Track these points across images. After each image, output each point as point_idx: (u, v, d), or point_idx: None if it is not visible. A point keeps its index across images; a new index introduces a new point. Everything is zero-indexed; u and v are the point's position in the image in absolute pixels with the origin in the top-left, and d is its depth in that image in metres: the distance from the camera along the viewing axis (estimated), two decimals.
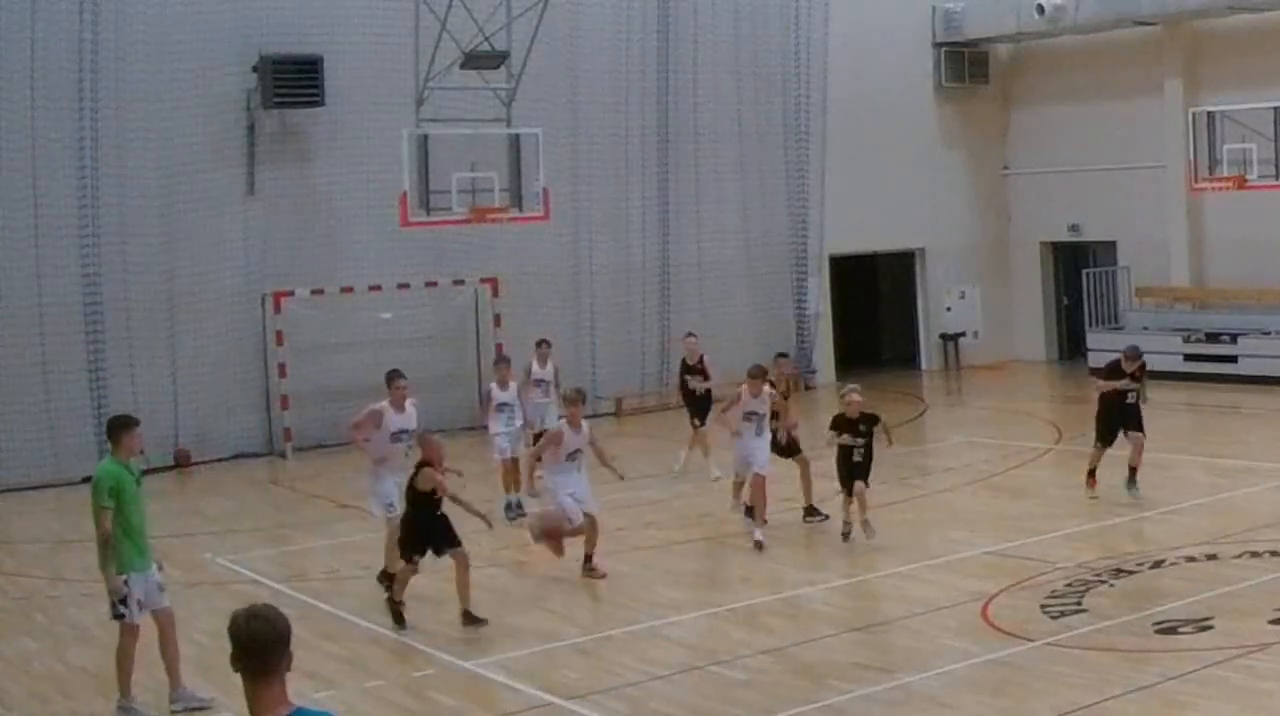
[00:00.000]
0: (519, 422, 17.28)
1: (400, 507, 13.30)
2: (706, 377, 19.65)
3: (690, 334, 20.89)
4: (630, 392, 26.11)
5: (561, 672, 11.35)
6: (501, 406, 17.21)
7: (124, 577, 10.51)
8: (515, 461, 17.04)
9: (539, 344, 19.28)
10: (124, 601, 10.50)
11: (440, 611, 13.34)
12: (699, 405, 19.57)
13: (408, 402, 14.28)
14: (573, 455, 14.05)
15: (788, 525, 16.13)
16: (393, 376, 14.40)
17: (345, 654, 12.14)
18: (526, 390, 18.31)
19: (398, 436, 14.12)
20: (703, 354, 19.96)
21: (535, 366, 18.77)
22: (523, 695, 10.82)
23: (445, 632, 12.61)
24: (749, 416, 15.53)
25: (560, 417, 14.24)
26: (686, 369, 20.07)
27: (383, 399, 14.33)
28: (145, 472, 21.09)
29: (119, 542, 10.51)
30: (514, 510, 16.82)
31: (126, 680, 10.66)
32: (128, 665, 10.66)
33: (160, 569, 10.99)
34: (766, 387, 15.75)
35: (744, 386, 15.64)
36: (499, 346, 24.14)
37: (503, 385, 17.35)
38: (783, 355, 17.90)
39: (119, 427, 10.88)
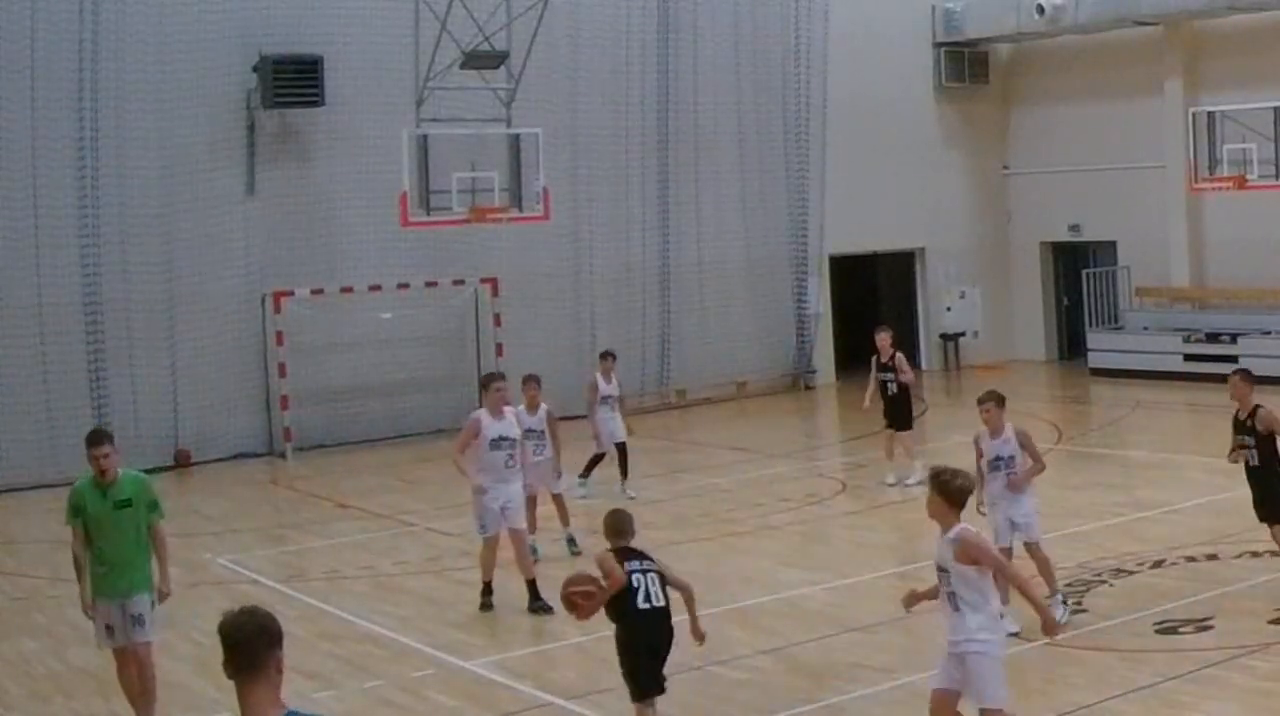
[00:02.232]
0: (547, 452, 15.09)
1: (495, 528, 12.89)
2: (900, 374, 18.38)
3: (884, 327, 19.10)
4: (630, 392, 26.04)
5: (561, 672, 11.36)
6: (529, 433, 14.54)
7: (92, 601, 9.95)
8: (556, 496, 15.41)
9: (604, 356, 18.41)
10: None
11: (440, 611, 13.36)
12: (894, 405, 18.32)
13: (507, 409, 13.34)
14: (996, 464, 11.56)
15: (791, 523, 16.13)
16: (489, 379, 13.53)
17: (345, 654, 12.14)
18: (594, 408, 17.63)
19: (497, 444, 13.02)
20: (896, 349, 18.63)
21: (601, 382, 17.81)
22: (522, 695, 10.83)
23: (445, 632, 12.61)
24: (996, 464, 11.86)
25: None
26: (880, 367, 18.57)
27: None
28: (146, 472, 21.47)
29: (88, 564, 9.93)
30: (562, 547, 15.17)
31: (134, 706, 10.19)
32: (128, 692, 10.17)
33: (159, 601, 10.16)
34: (1009, 426, 11.94)
35: (980, 430, 12.03)
36: (498, 345, 24.16)
37: (532, 407, 15.11)
38: (1241, 372, 12.58)
39: (86, 443, 10.13)
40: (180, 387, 22.29)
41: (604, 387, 17.77)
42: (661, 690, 9.13)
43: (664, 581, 9.11)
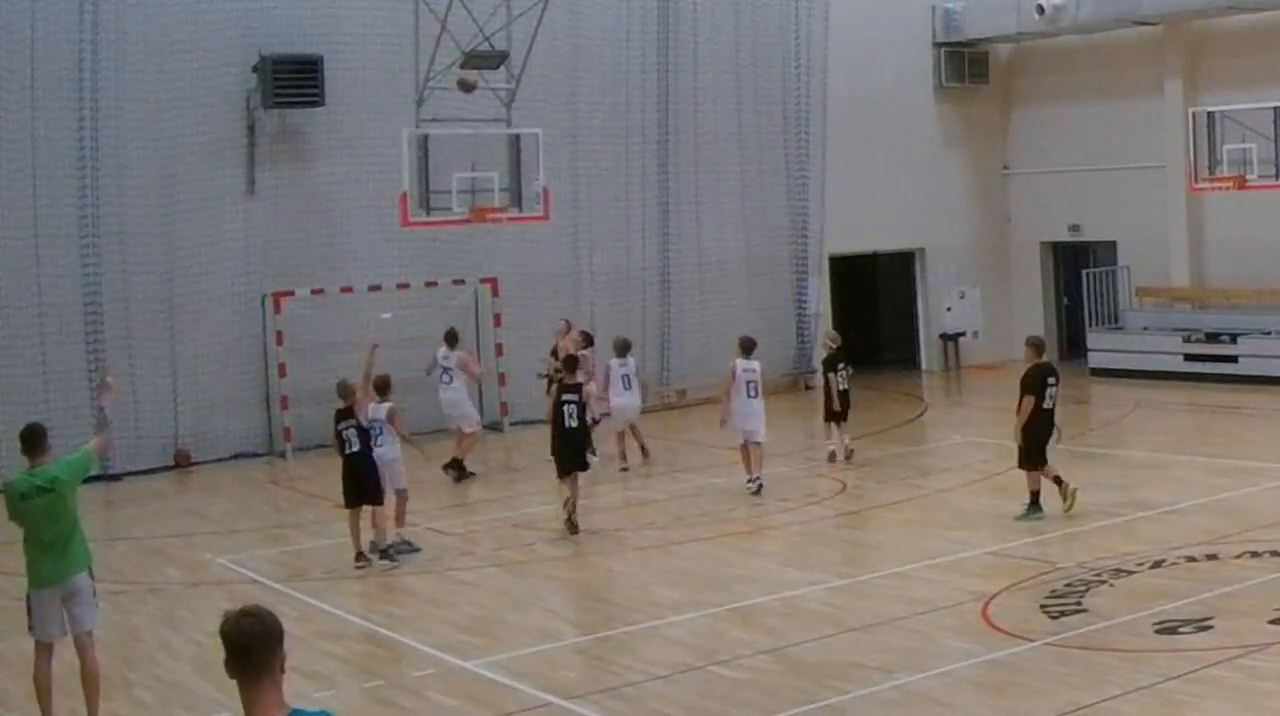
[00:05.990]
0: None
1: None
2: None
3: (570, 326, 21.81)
4: None
5: (561, 672, 11.35)
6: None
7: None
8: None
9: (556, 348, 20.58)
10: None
11: (440, 611, 13.36)
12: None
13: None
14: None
15: (791, 523, 16.15)
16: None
17: (345, 654, 12.15)
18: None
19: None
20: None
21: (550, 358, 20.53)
22: (523, 695, 10.82)
23: (445, 632, 12.62)
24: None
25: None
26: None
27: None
28: (144, 473, 21.52)
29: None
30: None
31: (41, 707, 10.29)
32: (37, 690, 10.34)
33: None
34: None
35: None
36: (498, 346, 24.16)
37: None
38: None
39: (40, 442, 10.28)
40: (180, 387, 22.27)
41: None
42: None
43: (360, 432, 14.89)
